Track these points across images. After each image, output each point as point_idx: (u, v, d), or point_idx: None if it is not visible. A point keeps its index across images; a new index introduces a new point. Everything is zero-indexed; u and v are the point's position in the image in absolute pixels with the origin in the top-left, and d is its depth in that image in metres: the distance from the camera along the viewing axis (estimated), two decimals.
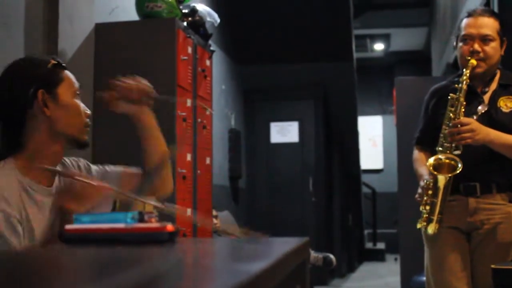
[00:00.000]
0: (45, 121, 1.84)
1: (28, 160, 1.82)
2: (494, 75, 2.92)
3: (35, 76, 1.84)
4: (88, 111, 1.94)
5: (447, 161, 2.80)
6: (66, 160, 2.01)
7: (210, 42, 4.26)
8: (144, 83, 2.00)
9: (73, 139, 1.89)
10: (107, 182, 2.00)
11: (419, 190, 2.86)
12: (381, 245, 11.60)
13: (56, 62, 1.88)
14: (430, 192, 2.80)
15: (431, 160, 2.82)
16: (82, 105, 1.92)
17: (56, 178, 1.90)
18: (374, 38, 12.62)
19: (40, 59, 1.91)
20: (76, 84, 1.92)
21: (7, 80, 1.86)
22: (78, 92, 1.92)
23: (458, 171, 2.75)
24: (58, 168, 1.93)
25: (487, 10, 2.99)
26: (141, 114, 2.03)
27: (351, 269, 9.32)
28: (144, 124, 2.04)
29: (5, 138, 1.85)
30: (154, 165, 2.03)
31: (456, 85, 2.84)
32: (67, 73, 1.91)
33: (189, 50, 3.86)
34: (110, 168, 2.07)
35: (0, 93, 1.85)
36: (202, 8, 4.16)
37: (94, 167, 2.04)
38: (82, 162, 2.04)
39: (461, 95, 2.81)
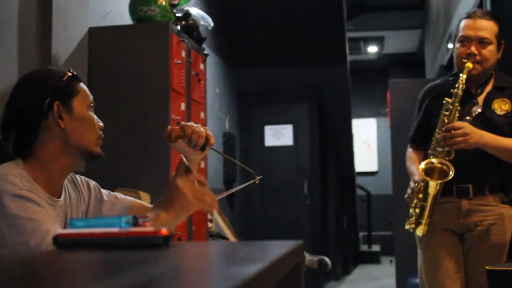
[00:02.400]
0: (59, 133, 1.84)
1: (38, 169, 1.82)
2: (490, 77, 2.92)
3: (52, 88, 1.84)
4: (101, 123, 1.94)
5: (439, 165, 2.80)
6: (77, 177, 2.00)
7: (204, 45, 4.26)
8: (209, 133, 1.98)
9: (86, 151, 1.89)
10: (116, 210, 2.01)
11: (409, 191, 2.88)
12: (376, 248, 11.60)
13: (71, 74, 1.88)
14: (420, 196, 2.81)
15: (423, 164, 2.82)
16: (95, 118, 1.92)
17: (63, 191, 1.90)
18: (367, 40, 12.64)
19: (56, 71, 1.91)
20: (90, 97, 1.92)
21: (23, 90, 1.86)
22: (92, 105, 1.92)
23: (449, 178, 2.75)
24: (66, 181, 1.92)
25: (488, 12, 2.95)
26: (192, 160, 2.03)
27: (346, 271, 9.32)
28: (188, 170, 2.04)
29: (17, 147, 1.85)
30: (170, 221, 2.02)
31: (453, 90, 2.83)
32: (82, 85, 1.91)
33: (183, 54, 3.86)
34: (120, 196, 2.05)
35: (16, 102, 1.85)
36: (195, 12, 4.17)
37: (104, 191, 2.03)
38: (93, 183, 2.03)
39: (456, 100, 2.81)
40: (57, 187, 1.86)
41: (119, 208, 2.01)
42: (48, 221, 1.71)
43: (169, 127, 1.95)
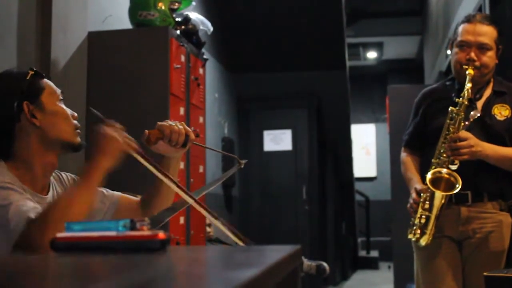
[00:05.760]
0: (36, 131, 1.84)
1: (22, 169, 1.82)
2: (488, 82, 2.91)
3: (17, 90, 1.84)
4: (75, 114, 1.94)
5: (447, 176, 2.76)
6: (63, 174, 2.00)
7: (203, 50, 4.26)
8: (188, 128, 1.98)
9: (67, 143, 1.89)
10: (104, 205, 2.01)
11: (411, 200, 2.84)
12: (374, 253, 11.60)
13: (34, 72, 1.88)
14: (426, 206, 2.78)
15: (429, 174, 2.79)
16: (68, 110, 1.92)
17: (51, 187, 1.89)
18: (367, 46, 12.66)
19: (18, 72, 1.92)
20: (58, 90, 1.92)
21: None
22: (61, 98, 1.92)
23: (455, 191, 2.72)
24: (52, 179, 1.92)
25: (487, 17, 2.91)
26: (175, 158, 2.02)
27: (345, 277, 9.32)
28: (172, 167, 2.03)
29: None
30: (159, 206, 2.02)
31: (458, 99, 2.80)
32: (47, 81, 1.91)
33: (182, 58, 3.87)
34: (108, 191, 2.06)
35: None
36: (195, 16, 4.17)
37: None
38: None
39: (461, 110, 2.78)
40: (44, 185, 1.87)
41: (108, 204, 2.02)
42: (29, 204, 1.70)
43: (147, 131, 1.93)
